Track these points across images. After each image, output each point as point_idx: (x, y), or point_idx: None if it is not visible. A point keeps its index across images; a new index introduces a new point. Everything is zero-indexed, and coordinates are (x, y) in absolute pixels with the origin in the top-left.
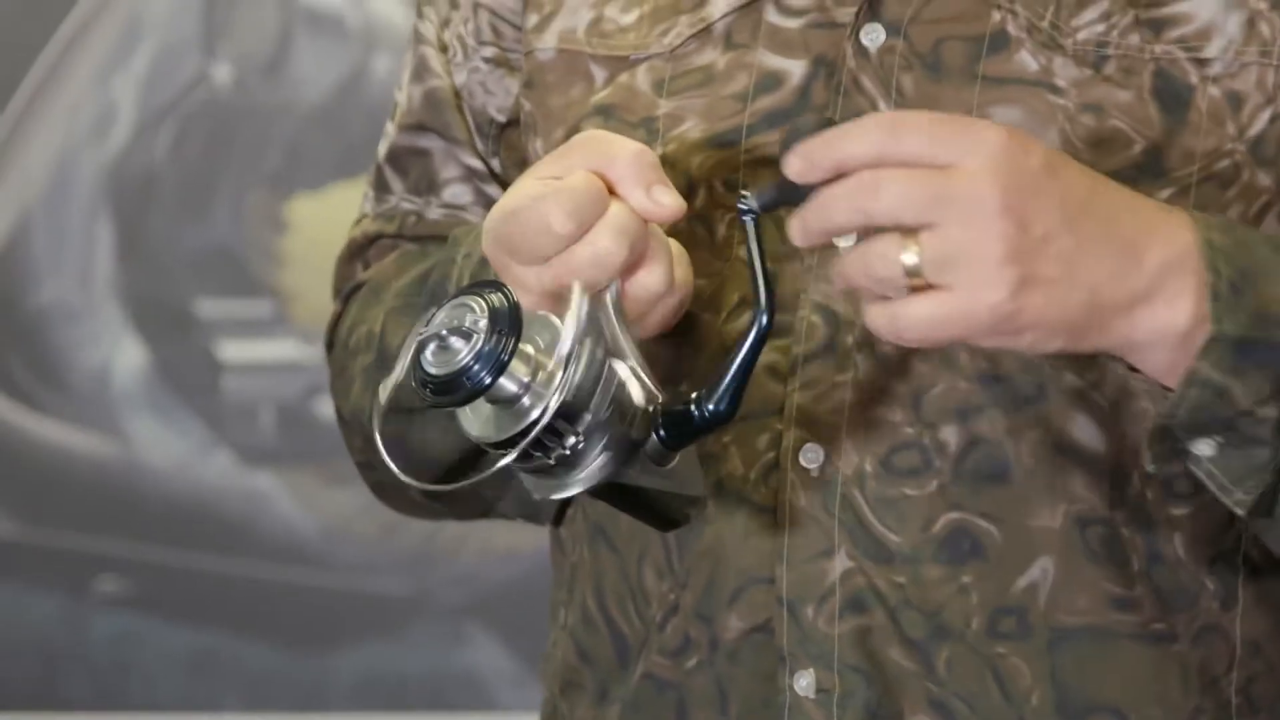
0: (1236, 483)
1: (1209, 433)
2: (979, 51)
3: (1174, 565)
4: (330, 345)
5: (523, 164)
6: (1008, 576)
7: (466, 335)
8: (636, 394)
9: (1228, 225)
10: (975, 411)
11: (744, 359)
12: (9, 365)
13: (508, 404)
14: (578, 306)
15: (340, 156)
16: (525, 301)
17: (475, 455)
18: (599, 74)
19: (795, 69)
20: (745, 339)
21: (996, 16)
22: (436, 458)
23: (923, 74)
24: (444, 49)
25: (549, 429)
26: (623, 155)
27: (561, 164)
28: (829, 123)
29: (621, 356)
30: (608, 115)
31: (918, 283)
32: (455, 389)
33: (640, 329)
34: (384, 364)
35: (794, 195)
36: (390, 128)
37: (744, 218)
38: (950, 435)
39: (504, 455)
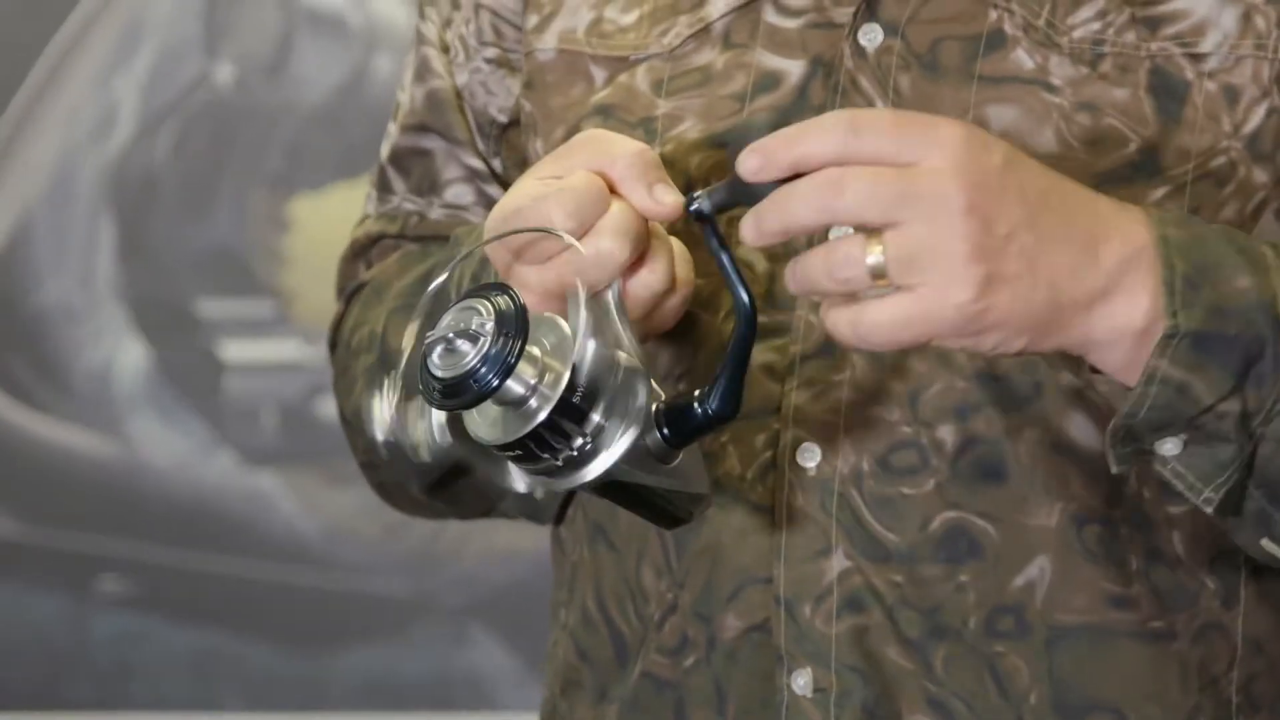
0: (1204, 481)
1: (1172, 431)
2: (976, 51)
3: (1173, 564)
4: (333, 345)
5: (523, 164)
6: (1005, 575)
7: (473, 338)
8: (640, 393)
9: (1183, 220)
10: (972, 411)
11: (737, 353)
12: (11, 365)
13: (515, 406)
14: (581, 307)
15: (342, 157)
16: (527, 301)
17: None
18: (599, 74)
19: (793, 69)
20: (735, 333)
21: (993, 15)
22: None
23: (920, 74)
24: (446, 49)
25: (557, 430)
26: (624, 155)
27: (562, 164)
28: (783, 120)
29: (624, 355)
30: (607, 115)
31: (882, 284)
32: (462, 392)
33: (642, 328)
34: (386, 364)
35: (747, 195)
36: (393, 128)
37: (695, 219)
38: (947, 434)
39: (512, 457)
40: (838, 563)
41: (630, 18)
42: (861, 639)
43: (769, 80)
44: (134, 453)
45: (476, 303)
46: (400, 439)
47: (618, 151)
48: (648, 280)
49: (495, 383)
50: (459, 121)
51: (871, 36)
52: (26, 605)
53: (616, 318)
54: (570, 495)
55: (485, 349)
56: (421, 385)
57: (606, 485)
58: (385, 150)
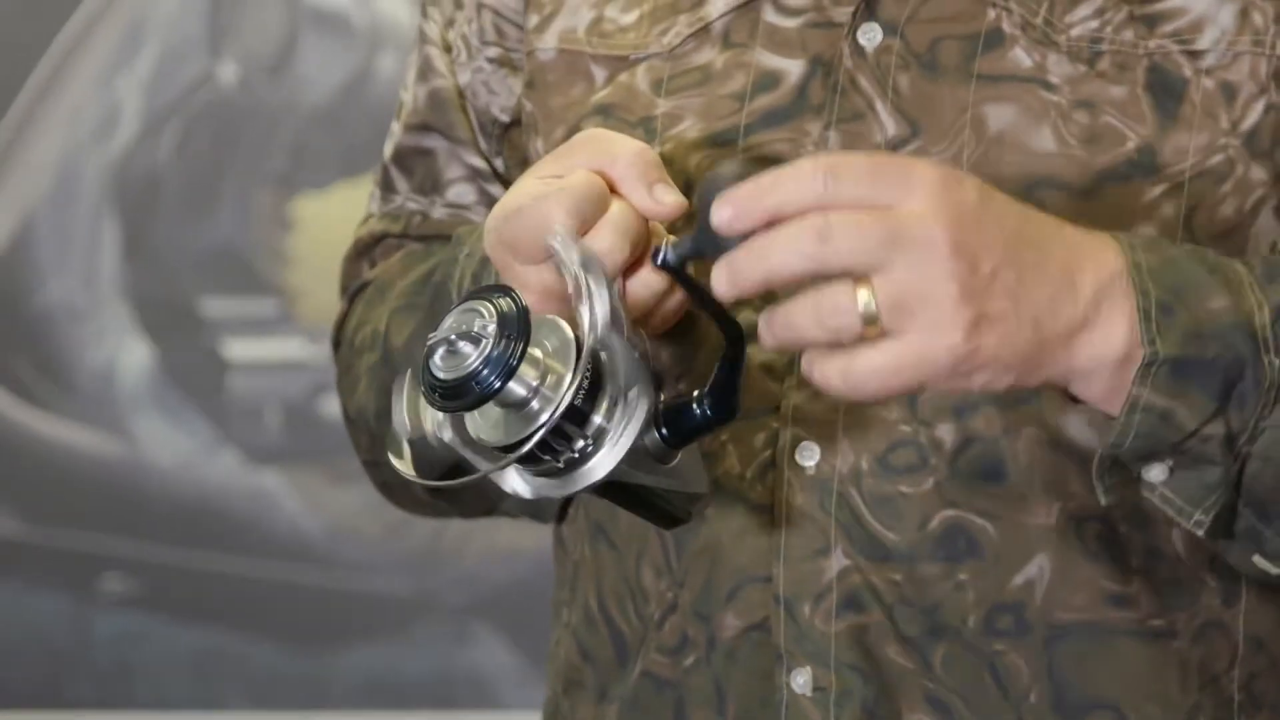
0: (1192, 504)
1: (1158, 458)
2: (974, 49)
3: (1173, 562)
4: (336, 344)
5: (525, 163)
6: (1004, 574)
7: (475, 340)
8: (640, 393)
9: (1154, 244)
10: (971, 409)
11: (729, 366)
12: (14, 364)
13: (516, 407)
14: (589, 308)
15: (345, 156)
16: (528, 302)
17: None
18: (599, 74)
19: (793, 68)
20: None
21: (992, 14)
22: (441, 456)
23: (919, 73)
24: (448, 49)
25: (558, 432)
26: (624, 154)
27: (563, 163)
28: (752, 168)
29: (625, 356)
30: (607, 115)
31: (871, 331)
32: (464, 393)
33: (643, 328)
34: (388, 363)
35: (713, 247)
36: (396, 128)
37: (662, 269)
38: (946, 433)
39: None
40: (837, 562)
41: (630, 17)
42: (861, 638)
43: (768, 80)
44: (137, 452)
45: (478, 304)
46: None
47: (618, 151)
48: (648, 280)
49: (497, 384)
50: (461, 121)
51: (871, 36)
52: (29, 604)
53: (619, 319)
54: (572, 495)
55: (487, 351)
56: (423, 387)
57: (606, 486)
58: (388, 149)
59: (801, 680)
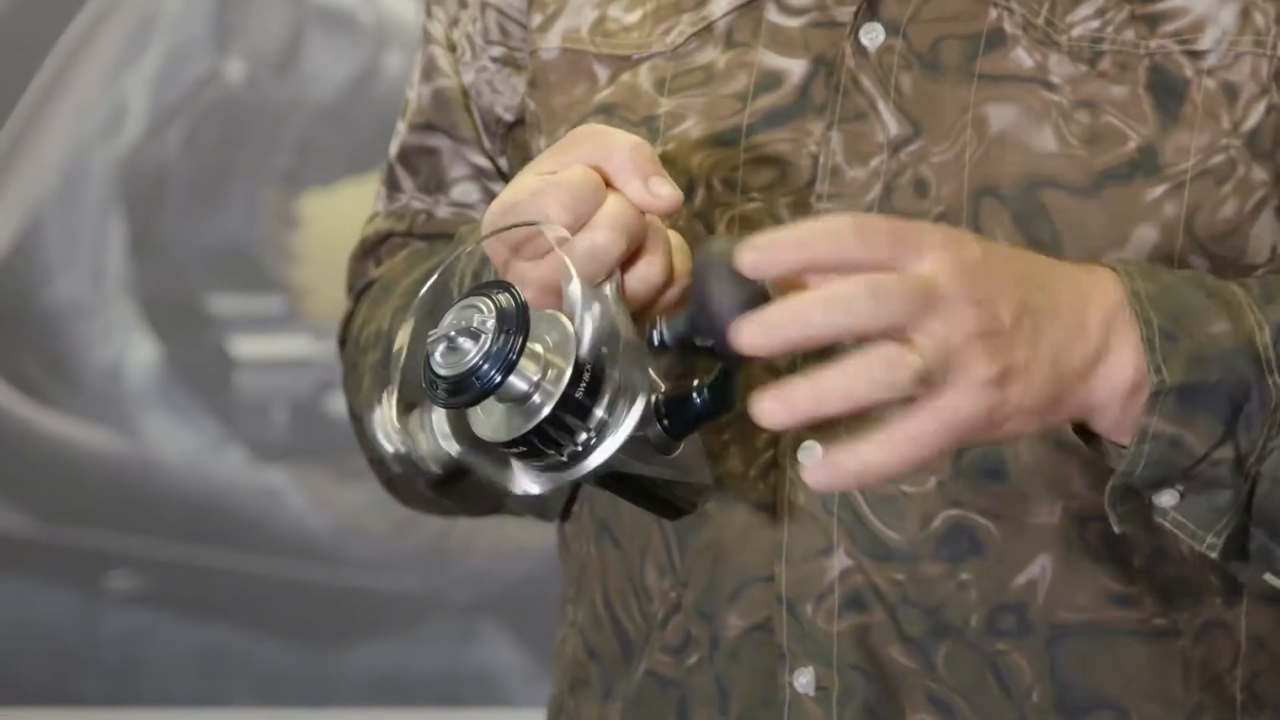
0: (1205, 528)
1: (1169, 484)
2: (976, 49)
3: (1177, 561)
4: (343, 342)
5: (528, 163)
6: (1007, 573)
7: (475, 335)
8: (640, 385)
9: (1151, 271)
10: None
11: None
12: (21, 362)
13: (519, 403)
14: (581, 302)
15: (352, 153)
16: (527, 297)
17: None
18: (602, 73)
19: (795, 68)
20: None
21: (993, 14)
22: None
23: (921, 73)
24: (452, 48)
25: (561, 425)
26: (620, 148)
27: (559, 158)
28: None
29: (625, 348)
30: (610, 114)
31: (921, 391)
32: (466, 389)
33: (643, 321)
34: (389, 362)
35: (708, 326)
36: (401, 126)
37: (654, 348)
38: None
39: (518, 455)
40: (839, 561)
41: (633, 17)
42: (863, 638)
43: (771, 79)
44: (144, 449)
45: (478, 300)
46: (410, 450)
47: (614, 145)
48: (646, 273)
49: (498, 379)
50: (465, 120)
51: (873, 36)
52: (36, 601)
53: (616, 311)
54: (575, 492)
55: (487, 346)
56: (425, 384)
57: (608, 477)
58: (394, 148)
59: (804, 680)
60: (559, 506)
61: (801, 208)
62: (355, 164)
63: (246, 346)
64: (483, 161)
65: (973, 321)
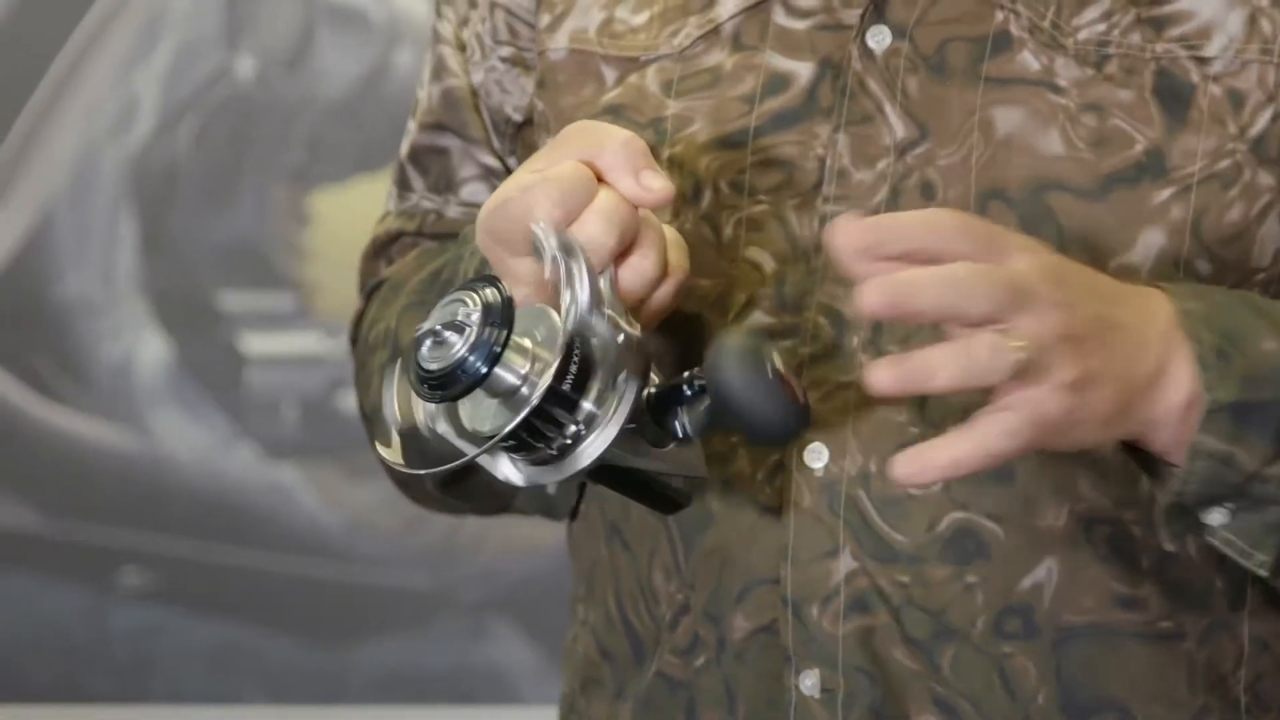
0: (1255, 545)
1: (1220, 501)
2: (982, 52)
3: (1186, 563)
4: (354, 341)
5: None
6: (1013, 576)
7: (460, 329)
8: (632, 379)
9: (1198, 291)
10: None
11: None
12: (32, 359)
13: (508, 396)
14: (571, 294)
15: (362, 150)
16: (519, 293)
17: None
18: (609, 74)
19: (802, 71)
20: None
21: (999, 17)
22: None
23: (927, 76)
24: (462, 48)
25: (549, 418)
26: (611, 143)
27: (553, 155)
28: (756, 339)
29: (616, 342)
30: (617, 115)
31: (1013, 384)
32: (453, 382)
33: (639, 316)
34: (395, 359)
35: (731, 416)
36: (411, 126)
37: (676, 438)
38: None
39: (508, 448)
40: (845, 564)
41: (641, 18)
42: (868, 640)
43: (778, 82)
44: (155, 446)
45: (464, 295)
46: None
47: (605, 140)
48: (639, 267)
49: (483, 370)
50: (474, 120)
51: (879, 38)
52: (46, 598)
53: (609, 305)
54: (582, 491)
55: (472, 338)
56: (412, 379)
57: (602, 471)
58: (404, 148)
59: (809, 682)
60: (567, 506)
61: (808, 210)
62: (366, 161)
63: (257, 343)
64: (492, 161)
65: (1060, 323)
